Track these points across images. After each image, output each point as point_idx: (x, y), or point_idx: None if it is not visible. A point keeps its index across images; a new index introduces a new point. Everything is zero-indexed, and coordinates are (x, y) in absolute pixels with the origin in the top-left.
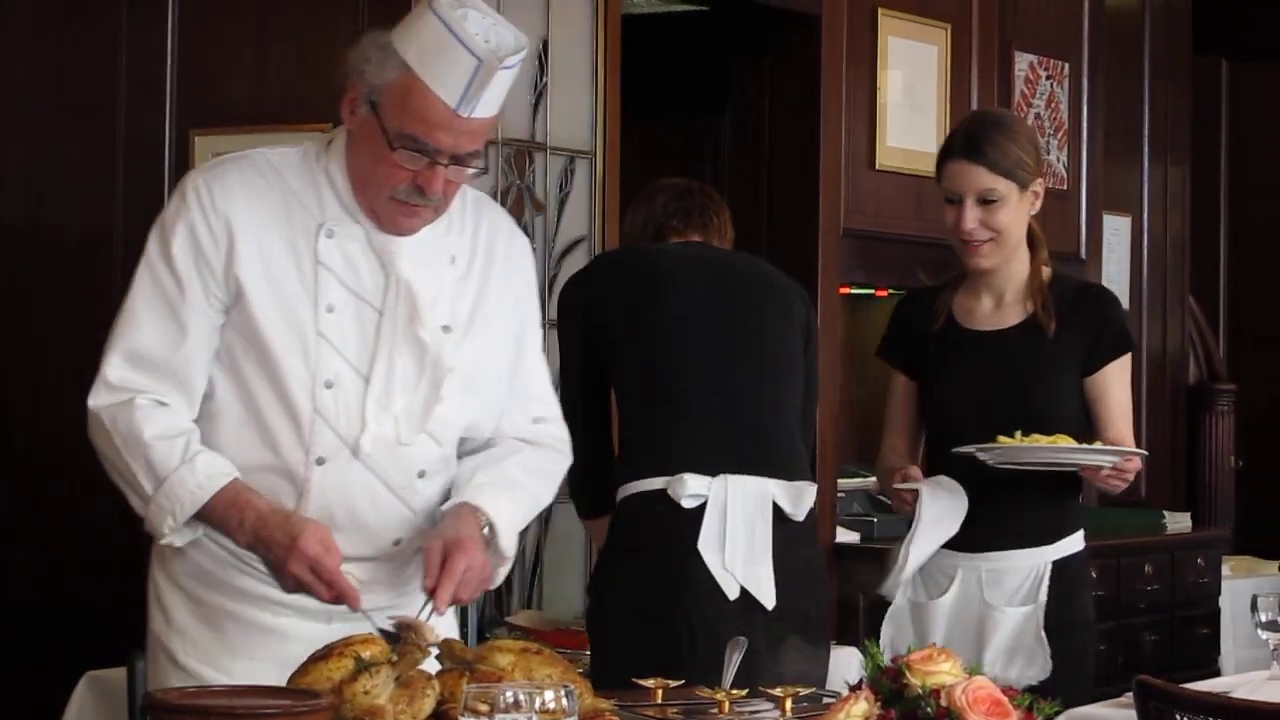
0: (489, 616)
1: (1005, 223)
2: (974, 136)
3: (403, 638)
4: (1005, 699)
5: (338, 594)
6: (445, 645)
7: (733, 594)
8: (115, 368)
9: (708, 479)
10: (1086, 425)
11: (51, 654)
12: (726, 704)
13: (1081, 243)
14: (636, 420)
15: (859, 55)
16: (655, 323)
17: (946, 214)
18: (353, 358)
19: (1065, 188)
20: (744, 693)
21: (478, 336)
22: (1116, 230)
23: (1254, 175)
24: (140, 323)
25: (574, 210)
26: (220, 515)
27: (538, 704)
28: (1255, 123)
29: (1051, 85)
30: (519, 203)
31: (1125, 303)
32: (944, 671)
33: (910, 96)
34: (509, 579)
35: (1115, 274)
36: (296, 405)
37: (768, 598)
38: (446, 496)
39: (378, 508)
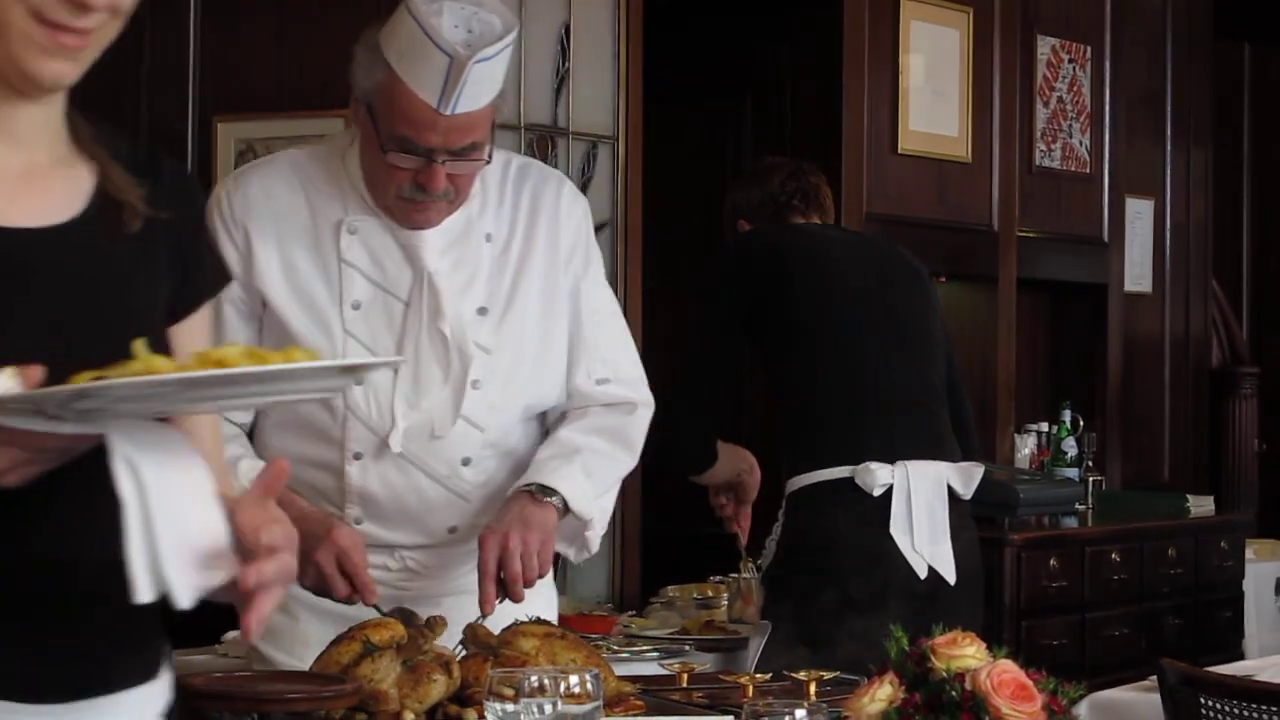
0: None
1: None
2: None
3: (412, 622)
4: (1030, 683)
5: (354, 590)
6: (469, 630)
7: (923, 573)
8: None
9: (890, 466)
10: None
11: None
12: (750, 688)
13: (1104, 226)
14: (810, 408)
15: (880, 40)
16: (826, 309)
17: None
18: (383, 353)
19: (1088, 171)
20: (768, 676)
21: (521, 311)
22: (1139, 213)
23: (1277, 158)
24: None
25: (597, 195)
26: None
27: (562, 688)
28: (1278, 106)
29: (1074, 69)
30: None
31: (1148, 286)
32: (969, 655)
33: (932, 81)
34: None
35: (1138, 257)
36: (330, 403)
37: (950, 574)
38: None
39: (424, 499)
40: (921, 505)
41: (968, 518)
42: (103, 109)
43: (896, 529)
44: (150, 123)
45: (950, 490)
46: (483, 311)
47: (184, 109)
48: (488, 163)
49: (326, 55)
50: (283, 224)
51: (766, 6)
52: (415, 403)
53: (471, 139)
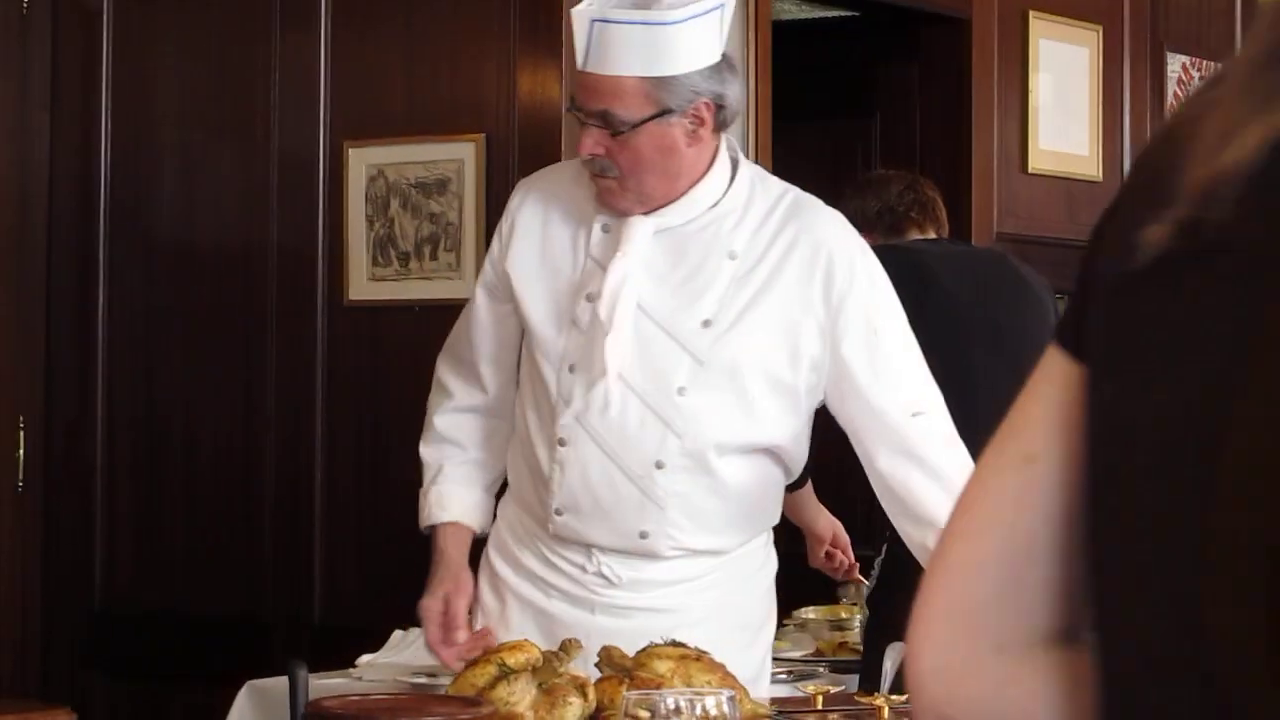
0: None
1: None
2: None
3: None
4: None
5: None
6: (604, 651)
7: None
8: (439, 364)
9: None
10: None
11: (211, 664)
12: (885, 709)
13: None
14: None
15: (1009, 58)
16: (929, 332)
17: None
18: (611, 351)
19: None
20: (903, 698)
21: (747, 333)
22: None
23: None
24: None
25: None
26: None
27: (698, 710)
28: None
29: None
30: None
31: None
32: None
33: (1061, 99)
34: None
35: None
36: (549, 387)
37: None
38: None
39: (616, 494)
40: None
41: None
42: (235, 137)
43: None
44: (281, 149)
45: None
46: (707, 324)
47: (315, 134)
48: (616, 133)
49: (456, 79)
50: (552, 216)
51: (895, 26)
52: (624, 393)
53: (602, 105)
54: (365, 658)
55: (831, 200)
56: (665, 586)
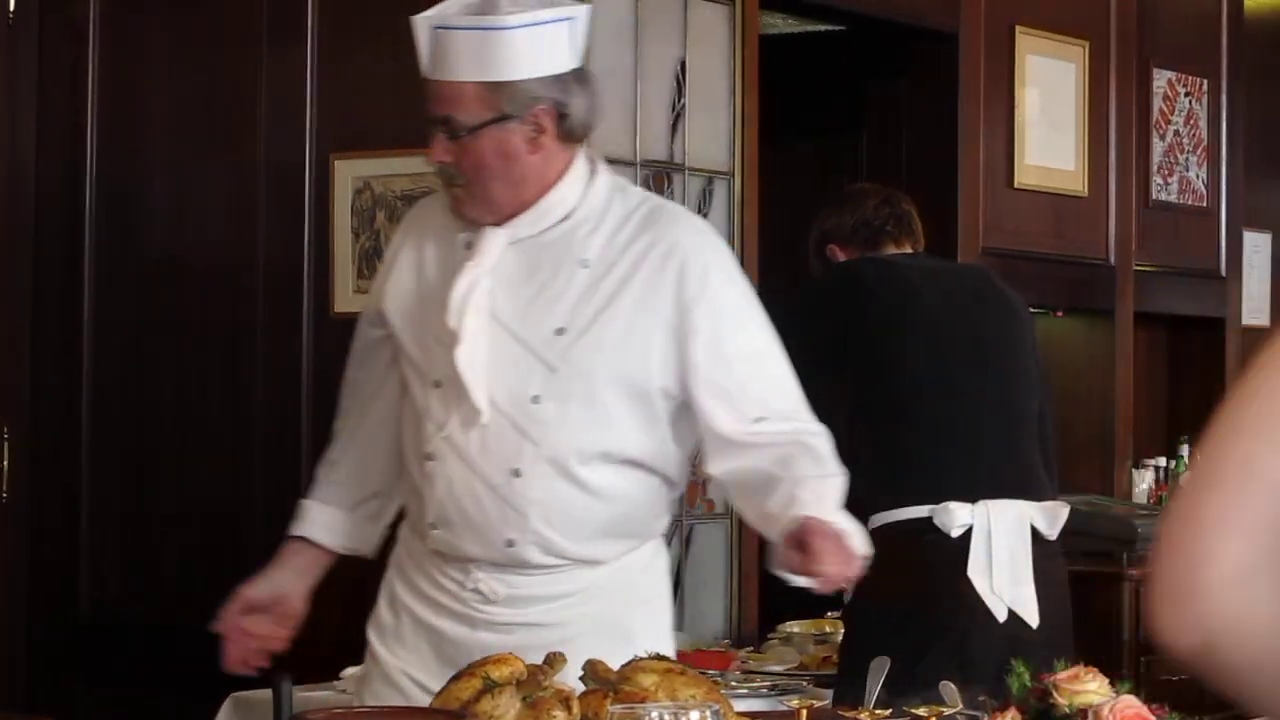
0: None
1: None
2: None
3: None
4: (1153, 718)
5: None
6: (589, 665)
7: (1002, 617)
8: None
9: (970, 506)
10: None
11: (197, 675)
12: None
13: (1221, 260)
14: (892, 444)
15: (997, 73)
16: (911, 343)
17: None
18: (462, 359)
19: (1204, 204)
20: (887, 713)
21: (598, 340)
22: (1257, 247)
23: None
24: None
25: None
26: None
27: None
28: None
29: (1190, 102)
30: None
31: (1266, 319)
32: (1091, 690)
33: (1048, 114)
34: None
35: (1256, 291)
36: (417, 404)
37: (1032, 617)
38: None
39: (480, 504)
40: (1002, 546)
41: (1057, 558)
42: (223, 149)
43: (975, 571)
44: (268, 161)
45: (1037, 530)
46: (560, 332)
47: (301, 146)
48: (466, 134)
49: None
50: (429, 237)
51: (882, 40)
52: (483, 405)
53: (445, 111)
54: (350, 670)
55: (815, 214)
56: (544, 602)
